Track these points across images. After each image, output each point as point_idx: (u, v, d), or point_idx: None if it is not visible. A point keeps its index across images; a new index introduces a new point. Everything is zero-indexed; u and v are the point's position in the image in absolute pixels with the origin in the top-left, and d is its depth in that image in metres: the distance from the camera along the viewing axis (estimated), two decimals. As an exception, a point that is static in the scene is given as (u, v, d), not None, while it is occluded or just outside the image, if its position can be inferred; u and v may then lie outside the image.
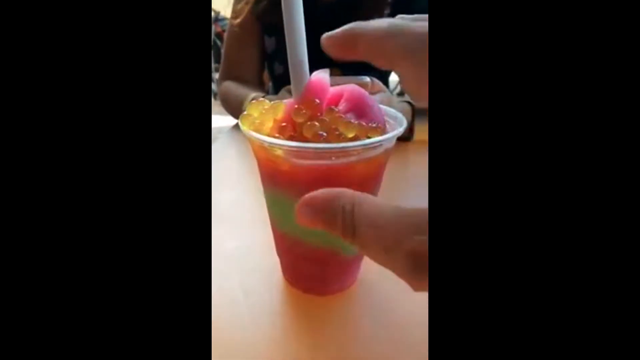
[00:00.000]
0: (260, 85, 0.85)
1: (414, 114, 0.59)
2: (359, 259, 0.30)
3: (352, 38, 0.19)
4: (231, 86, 0.79)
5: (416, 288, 0.14)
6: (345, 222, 0.15)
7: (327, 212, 0.15)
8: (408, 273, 0.14)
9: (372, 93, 0.53)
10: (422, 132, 0.59)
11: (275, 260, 0.32)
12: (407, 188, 0.49)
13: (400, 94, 0.61)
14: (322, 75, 0.25)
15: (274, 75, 0.84)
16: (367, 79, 0.54)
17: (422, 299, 0.29)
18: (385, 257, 0.14)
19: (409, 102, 0.60)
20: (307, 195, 0.16)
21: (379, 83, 0.57)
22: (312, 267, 0.29)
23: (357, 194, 0.15)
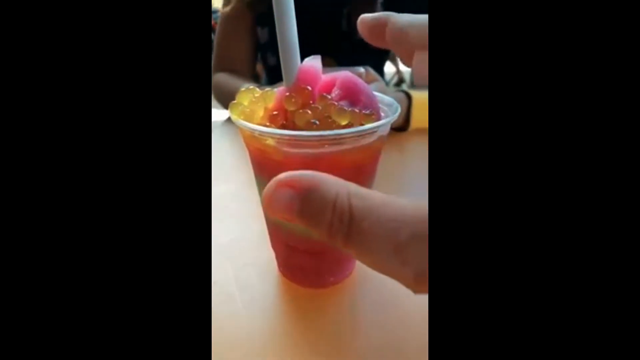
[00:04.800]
0: (253, 77, 0.85)
1: (410, 103, 0.58)
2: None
3: (381, 24, 0.19)
4: (224, 78, 0.78)
5: (419, 291, 0.12)
6: (337, 217, 0.12)
7: (311, 203, 0.12)
8: (423, 275, 0.11)
9: (366, 83, 0.53)
10: (418, 121, 0.59)
11: (270, 253, 0.31)
12: (404, 178, 0.48)
13: (397, 84, 0.60)
14: (313, 62, 0.24)
15: (268, 66, 0.83)
16: (362, 69, 0.54)
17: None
18: (393, 260, 0.11)
19: (404, 92, 0.59)
20: (282, 175, 0.13)
21: (373, 73, 0.56)
22: (307, 260, 0.28)
23: (348, 183, 0.13)
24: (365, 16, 0.20)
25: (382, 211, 0.12)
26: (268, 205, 0.13)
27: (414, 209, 0.12)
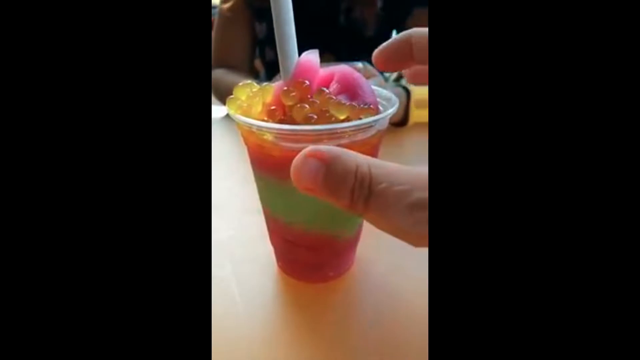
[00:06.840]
0: (251, 72, 0.84)
1: (409, 98, 0.58)
2: (353, 244, 0.30)
3: (406, 43, 0.20)
4: (222, 73, 0.77)
5: (419, 244, 0.13)
6: (358, 182, 0.13)
7: (336, 170, 0.13)
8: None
9: (365, 78, 0.52)
10: (417, 117, 0.59)
11: (269, 249, 0.31)
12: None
13: (397, 80, 0.60)
14: (311, 56, 0.24)
15: (266, 62, 0.83)
16: (360, 64, 0.53)
17: (420, 281, 0.28)
18: (405, 219, 0.13)
19: (403, 87, 0.59)
20: (309, 148, 0.14)
21: (372, 68, 0.56)
22: (306, 254, 0.28)
23: (366, 156, 0.14)
24: (383, 46, 0.21)
25: (397, 175, 0.13)
26: (296, 176, 0.14)
27: (425, 174, 0.13)
